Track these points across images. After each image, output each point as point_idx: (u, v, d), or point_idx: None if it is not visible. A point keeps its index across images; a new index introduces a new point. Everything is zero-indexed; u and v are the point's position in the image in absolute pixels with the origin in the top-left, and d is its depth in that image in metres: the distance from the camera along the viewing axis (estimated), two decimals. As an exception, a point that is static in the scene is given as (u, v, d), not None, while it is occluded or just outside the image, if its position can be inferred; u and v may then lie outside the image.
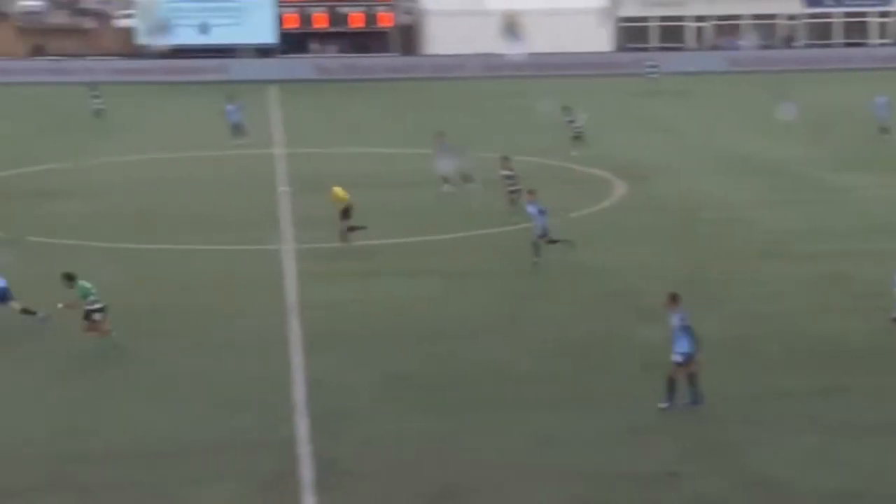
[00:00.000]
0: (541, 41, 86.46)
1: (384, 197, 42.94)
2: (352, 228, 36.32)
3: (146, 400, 24.42)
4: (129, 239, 37.60)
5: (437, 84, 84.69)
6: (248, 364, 26.26)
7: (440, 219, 40.21)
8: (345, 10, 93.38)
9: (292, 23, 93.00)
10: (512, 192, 39.83)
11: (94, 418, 23.50)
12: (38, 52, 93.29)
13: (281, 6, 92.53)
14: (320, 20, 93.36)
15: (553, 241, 33.70)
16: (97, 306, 27.05)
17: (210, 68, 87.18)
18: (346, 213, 36.36)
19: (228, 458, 21.54)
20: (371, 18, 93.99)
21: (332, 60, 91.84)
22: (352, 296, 31.43)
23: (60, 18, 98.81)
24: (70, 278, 27.29)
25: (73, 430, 22.90)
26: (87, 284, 27.13)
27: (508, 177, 40.61)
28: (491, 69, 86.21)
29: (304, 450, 21.58)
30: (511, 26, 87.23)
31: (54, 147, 56.43)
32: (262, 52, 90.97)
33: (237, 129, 56.85)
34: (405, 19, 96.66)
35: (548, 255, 33.60)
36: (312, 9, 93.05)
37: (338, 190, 36.67)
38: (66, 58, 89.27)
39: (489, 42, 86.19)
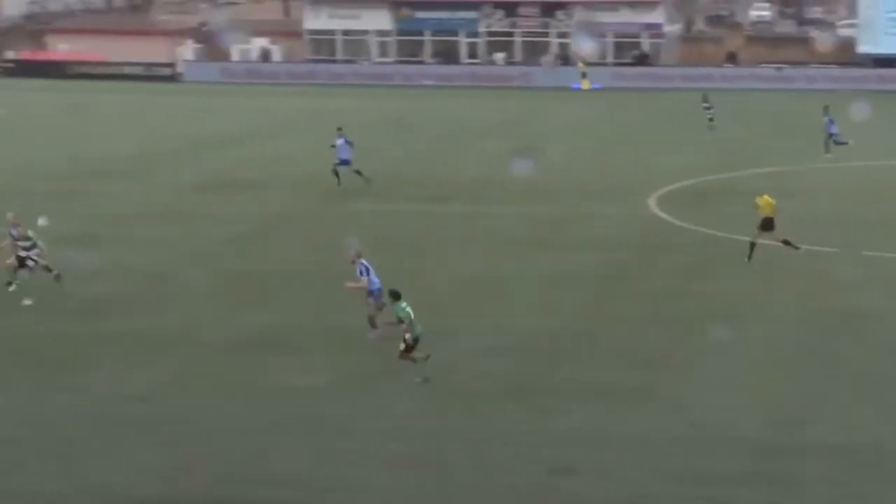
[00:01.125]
0: None
1: None
2: (750, 240, 34.77)
3: (847, 397, 24.41)
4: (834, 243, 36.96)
5: None
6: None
7: None
8: None
9: None
10: None
11: (800, 412, 23.60)
12: (730, 59, 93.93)
13: None
14: None
15: None
16: (408, 335, 24.48)
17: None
18: (766, 224, 34.46)
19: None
20: None
21: None
22: None
23: (787, 28, 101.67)
24: (395, 296, 24.80)
25: (779, 423, 23.06)
26: (408, 309, 24.57)
27: None
28: None
29: None
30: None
31: (779, 151, 56.90)
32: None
33: (833, 142, 53.84)
34: None
35: None
36: None
37: (765, 199, 34.75)
38: (788, 65, 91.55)
39: None
